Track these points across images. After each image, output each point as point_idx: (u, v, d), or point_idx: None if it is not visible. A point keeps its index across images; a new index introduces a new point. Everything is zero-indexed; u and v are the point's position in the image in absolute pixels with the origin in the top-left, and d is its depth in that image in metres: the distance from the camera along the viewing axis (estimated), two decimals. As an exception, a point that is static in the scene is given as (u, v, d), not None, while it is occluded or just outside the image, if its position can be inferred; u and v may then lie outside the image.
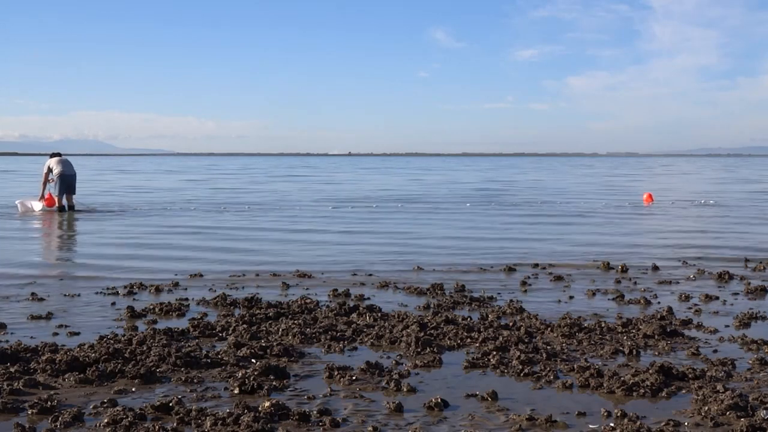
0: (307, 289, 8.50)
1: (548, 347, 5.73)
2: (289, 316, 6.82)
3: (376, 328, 6.39)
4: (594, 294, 8.22)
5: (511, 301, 7.64)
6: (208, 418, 4.11)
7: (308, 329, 6.25)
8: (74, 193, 19.10)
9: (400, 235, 14.21)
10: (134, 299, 7.86)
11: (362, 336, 6.14)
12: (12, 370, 5.02)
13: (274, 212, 19.68)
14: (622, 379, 4.84)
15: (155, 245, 12.59)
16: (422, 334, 6.07)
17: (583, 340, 6.04)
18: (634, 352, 5.66)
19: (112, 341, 5.80)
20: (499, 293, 8.22)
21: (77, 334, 6.30)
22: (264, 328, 6.34)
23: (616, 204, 22.92)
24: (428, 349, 5.65)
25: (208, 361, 5.30)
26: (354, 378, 4.94)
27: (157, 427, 3.99)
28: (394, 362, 5.40)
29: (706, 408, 4.30)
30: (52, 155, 19.35)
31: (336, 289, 8.21)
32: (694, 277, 9.39)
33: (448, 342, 5.95)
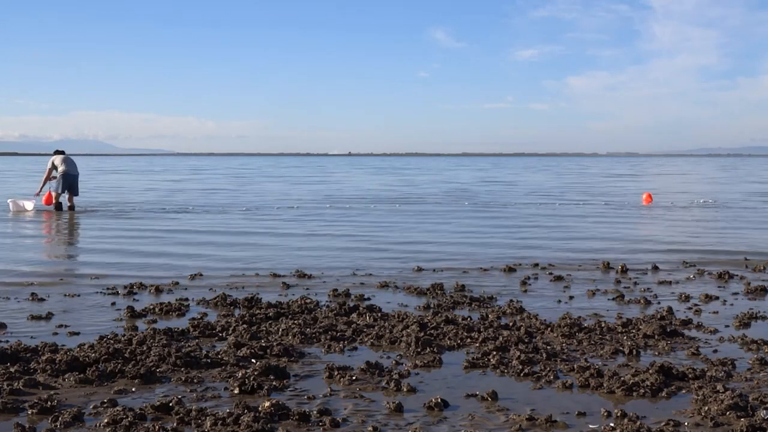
0: (307, 289, 8.50)
1: (548, 347, 5.73)
2: (289, 316, 6.82)
3: (376, 328, 6.39)
4: (594, 294, 8.22)
5: (511, 301, 7.64)
6: (208, 418, 4.11)
7: (308, 329, 6.25)
8: (77, 195, 19.06)
9: (399, 235, 14.20)
10: (134, 299, 7.86)
11: (362, 336, 6.14)
12: (12, 370, 5.02)
13: (274, 212, 19.69)
14: (622, 379, 4.84)
15: (155, 245, 12.59)
16: (422, 334, 6.07)
17: (583, 340, 6.04)
18: (634, 352, 5.66)
19: (112, 341, 5.80)
20: (499, 293, 8.22)
21: (77, 334, 6.30)
22: (264, 328, 6.34)
23: (616, 204, 22.92)
24: (428, 349, 5.65)
25: (208, 361, 5.30)
26: (354, 378, 4.94)
27: (157, 427, 3.99)
28: (394, 362, 5.40)
29: (706, 408, 4.30)
30: (56, 152, 19.27)
31: (336, 289, 8.21)
32: (694, 277, 9.39)
33: (448, 342, 5.95)
